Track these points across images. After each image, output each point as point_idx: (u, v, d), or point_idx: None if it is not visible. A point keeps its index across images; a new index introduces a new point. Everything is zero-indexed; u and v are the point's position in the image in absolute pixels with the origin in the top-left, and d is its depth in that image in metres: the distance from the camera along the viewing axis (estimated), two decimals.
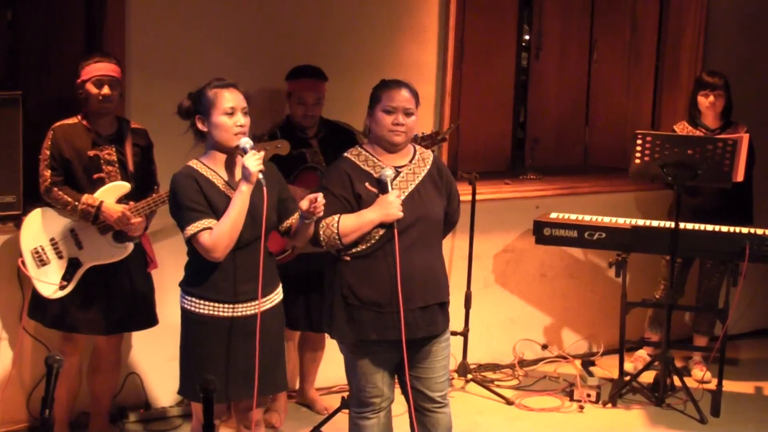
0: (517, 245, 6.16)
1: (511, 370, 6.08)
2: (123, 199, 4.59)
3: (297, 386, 5.45)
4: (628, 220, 5.67)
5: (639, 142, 5.47)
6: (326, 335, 5.04)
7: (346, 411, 4.48)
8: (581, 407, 5.60)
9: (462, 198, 4.34)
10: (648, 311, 6.13)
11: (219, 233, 3.72)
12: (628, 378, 5.73)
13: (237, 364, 3.85)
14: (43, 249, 4.59)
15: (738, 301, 5.60)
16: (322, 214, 3.83)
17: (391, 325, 3.94)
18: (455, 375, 5.83)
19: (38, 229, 4.60)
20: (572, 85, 6.70)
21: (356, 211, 3.96)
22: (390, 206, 3.91)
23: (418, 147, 4.18)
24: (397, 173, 4.02)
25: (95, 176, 4.59)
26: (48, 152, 4.56)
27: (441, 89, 5.78)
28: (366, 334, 3.97)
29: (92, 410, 4.93)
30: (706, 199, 5.79)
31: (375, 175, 3.99)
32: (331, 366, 5.31)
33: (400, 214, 3.91)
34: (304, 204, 3.80)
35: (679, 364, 5.80)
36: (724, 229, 5.49)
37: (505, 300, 6.19)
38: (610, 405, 5.61)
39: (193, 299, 3.84)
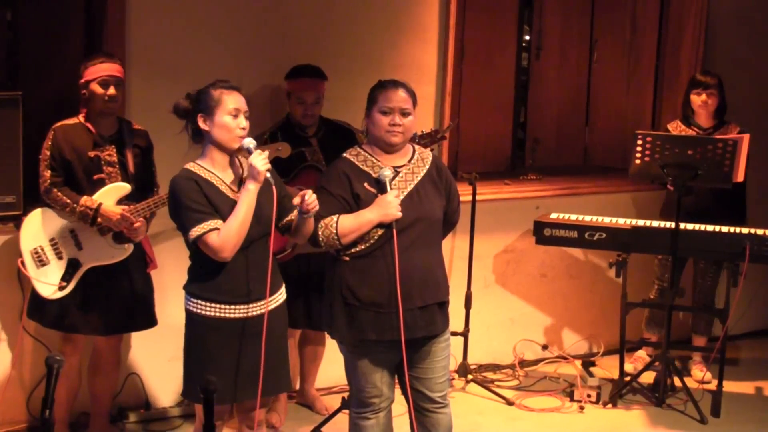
0: (518, 245, 6.16)
1: (512, 371, 6.08)
2: (123, 200, 4.59)
3: (297, 386, 5.45)
4: (628, 221, 5.67)
5: (639, 142, 5.47)
6: (326, 334, 5.04)
7: (347, 411, 4.48)
8: (581, 407, 5.60)
9: (462, 198, 4.34)
10: (645, 311, 6.12)
11: (227, 233, 3.72)
12: (628, 378, 5.73)
13: (244, 365, 3.84)
14: (42, 249, 4.58)
15: (738, 302, 5.59)
16: (316, 208, 3.83)
17: (390, 325, 3.94)
18: (456, 375, 5.83)
19: (38, 229, 4.60)
20: (572, 85, 6.70)
21: (355, 211, 3.96)
22: (389, 206, 3.91)
23: (417, 147, 4.17)
24: (396, 173, 4.01)
25: (95, 177, 4.58)
26: (48, 153, 4.56)
27: (441, 89, 5.78)
28: (365, 334, 3.97)
29: (92, 410, 4.92)
30: (698, 199, 5.78)
31: (374, 175, 3.99)
32: (331, 366, 5.31)
33: (399, 214, 3.91)
34: (296, 200, 3.81)
35: (678, 364, 5.80)
36: (725, 229, 5.49)
37: (505, 300, 6.19)
38: (610, 405, 5.61)
39: (199, 301, 3.83)
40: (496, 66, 6.42)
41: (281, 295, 3.97)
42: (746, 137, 5.51)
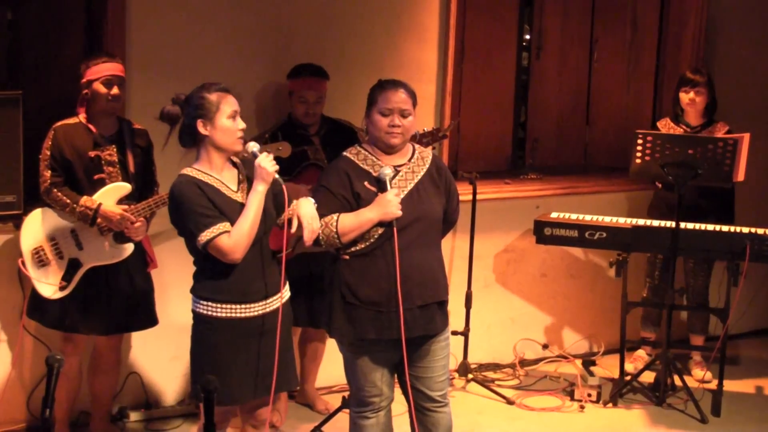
0: (518, 245, 6.16)
1: (512, 370, 6.08)
2: (123, 200, 4.59)
3: (297, 385, 5.45)
4: (628, 220, 5.67)
5: (639, 141, 5.47)
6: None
7: (347, 410, 4.48)
8: (582, 407, 5.60)
9: (462, 198, 4.34)
10: (640, 310, 6.12)
11: (239, 234, 3.73)
12: (628, 378, 5.73)
13: (255, 364, 3.85)
14: (43, 249, 4.58)
15: (738, 301, 5.59)
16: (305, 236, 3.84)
17: (389, 324, 3.94)
18: (456, 375, 5.83)
19: (38, 229, 4.60)
20: (573, 85, 6.70)
21: (355, 210, 3.96)
22: (388, 205, 3.91)
23: (417, 146, 4.17)
24: (396, 172, 4.01)
25: (96, 177, 4.58)
26: (48, 152, 4.56)
27: (441, 89, 5.78)
28: (365, 333, 3.97)
29: (92, 410, 4.93)
30: (687, 196, 5.74)
31: (374, 174, 3.99)
32: (331, 365, 5.31)
33: (399, 213, 3.91)
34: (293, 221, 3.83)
35: (679, 365, 5.79)
36: (725, 228, 5.49)
37: (505, 300, 6.19)
38: (610, 405, 5.61)
39: (210, 303, 3.82)
40: (496, 66, 6.42)
41: (286, 292, 3.98)
42: (746, 136, 5.50)
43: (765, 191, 6.65)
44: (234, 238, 3.73)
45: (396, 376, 4.15)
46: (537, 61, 6.59)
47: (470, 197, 5.66)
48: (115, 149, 4.62)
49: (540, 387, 5.88)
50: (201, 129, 3.80)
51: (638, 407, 5.60)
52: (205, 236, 3.73)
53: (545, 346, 6.25)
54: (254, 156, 3.80)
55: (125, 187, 4.60)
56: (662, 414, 5.52)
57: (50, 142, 4.56)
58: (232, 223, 3.75)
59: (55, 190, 4.55)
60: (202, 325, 3.87)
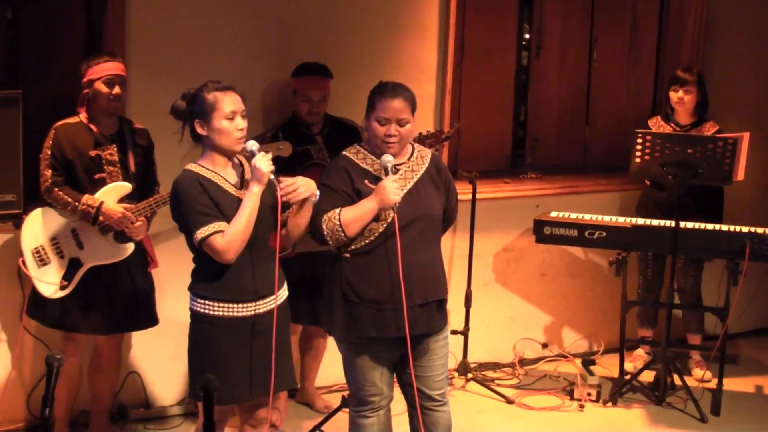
0: (518, 244, 6.16)
1: (512, 369, 6.08)
2: (124, 200, 4.59)
3: (297, 384, 5.45)
4: (628, 219, 5.67)
5: (639, 140, 5.47)
6: None
7: (347, 410, 4.48)
8: (581, 406, 5.60)
9: (462, 197, 4.35)
10: (636, 308, 6.11)
11: (232, 235, 3.72)
12: (628, 377, 5.73)
13: (252, 364, 3.85)
14: (43, 249, 4.59)
15: (738, 300, 5.59)
16: (296, 198, 3.80)
17: (390, 323, 3.95)
18: (455, 374, 5.83)
19: (39, 228, 4.60)
20: (572, 84, 6.70)
21: None
22: (385, 191, 3.89)
23: (416, 145, 4.17)
24: (396, 171, 4.01)
25: (96, 176, 4.58)
26: (49, 152, 4.56)
27: (441, 88, 5.78)
28: (366, 332, 3.97)
29: (92, 409, 4.93)
30: (672, 195, 5.72)
31: (374, 173, 3.99)
32: (331, 365, 5.31)
33: (398, 198, 3.89)
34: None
35: (678, 365, 5.79)
36: (725, 228, 5.49)
37: (505, 299, 6.19)
38: (610, 404, 5.61)
39: (206, 302, 3.83)
40: (496, 65, 6.42)
41: (284, 292, 3.98)
42: (746, 135, 5.49)
43: (763, 190, 6.64)
44: (227, 238, 3.72)
45: (396, 375, 4.15)
46: (537, 60, 6.59)
47: (470, 196, 5.66)
48: (115, 149, 4.62)
49: (540, 386, 5.88)
50: (199, 129, 3.80)
51: (638, 406, 5.60)
52: (199, 234, 3.73)
53: (545, 346, 6.25)
54: (252, 155, 3.80)
55: (126, 187, 4.60)
56: (662, 413, 5.53)
57: (51, 142, 4.56)
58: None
59: (56, 189, 4.56)
60: (198, 323, 3.87)
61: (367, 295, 3.96)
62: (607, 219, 5.65)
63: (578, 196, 6.23)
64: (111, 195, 4.56)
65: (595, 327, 6.36)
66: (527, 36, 6.59)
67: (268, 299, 3.87)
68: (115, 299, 4.65)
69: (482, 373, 5.97)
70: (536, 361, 6.20)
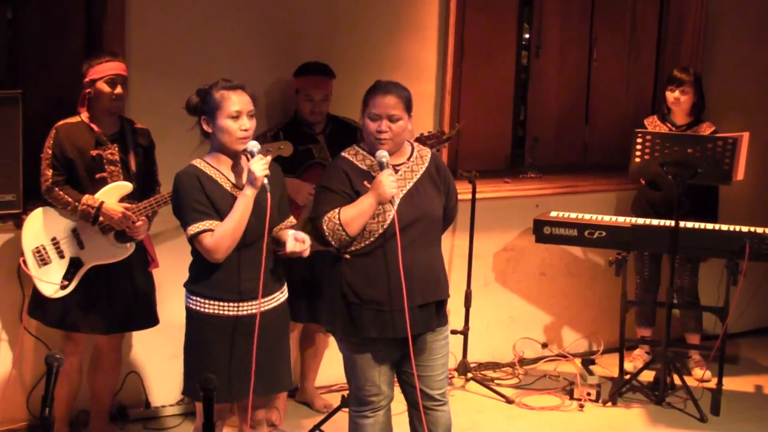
0: (517, 244, 6.17)
1: (511, 369, 6.09)
2: (125, 199, 4.59)
3: (297, 384, 5.45)
4: (628, 219, 5.67)
5: (639, 140, 5.47)
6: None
7: (346, 410, 4.48)
8: (581, 406, 5.60)
9: (462, 196, 4.35)
10: (634, 308, 6.11)
11: (221, 235, 3.73)
12: (628, 376, 5.73)
13: (242, 364, 3.85)
14: (44, 248, 4.59)
15: (738, 300, 5.59)
16: (302, 253, 3.83)
17: (390, 323, 3.95)
18: (455, 374, 5.83)
19: (40, 228, 4.60)
20: (572, 84, 6.70)
21: None
22: (381, 185, 3.89)
23: (416, 145, 4.17)
24: (395, 171, 4.01)
25: (97, 176, 4.58)
26: (50, 151, 4.56)
27: (441, 88, 5.78)
28: (366, 332, 3.97)
29: (92, 409, 4.93)
30: (667, 195, 5.72)
31: (373, 174, 3.98)
32: (331, 364, 5.32)
33: (395, 191, 3.89)
34: (288, 244, 3.81)
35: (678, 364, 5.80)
36: (724, 227, 5.49)
37: (505, 298, 6.19)
38: (610, 403, 5.61)
39: (198, 299, 3.84)
40: (495, 64, 6.42)
41: (282, 294, 3.98)
42: (746, 135, 5.50)
43: (762, 190, 6.64)
44: (216, 237, 3.73)
45: (396, 374, 4.15)
46: (536, 60, 6.60)
47: (470, 196, 5.66)
48: (116, 148, 4.62)
49: (539, 386, 5.88)
50: (204, 126, 3.82)
51: (637, 406, 5.60)
52: (191, 230, 3.75)
53: (544, 345, 6.25)
54: (251, 156, 3.80)
55: (127, 186, 4.60)
56: (661, 413, 5.53)
57: (52, 141, 4.56)
58: None
59: (57, 188, 4.56)
60: (192, 320, 3.88)
61: (367, 296, 3.96)
62: (607, 219, 5.66)
63: (578, 195, 6.23)
64: (112, 194, 4.56)
65: (595, 327, 6.37)
66: (527, 36, 6.59)
67: (266, 299, 3.87)
68: (115, 299, 4.65)
69: (482, 372, 5.98)
70: (536, 360, 6.20)
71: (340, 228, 3.92)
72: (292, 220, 4.04)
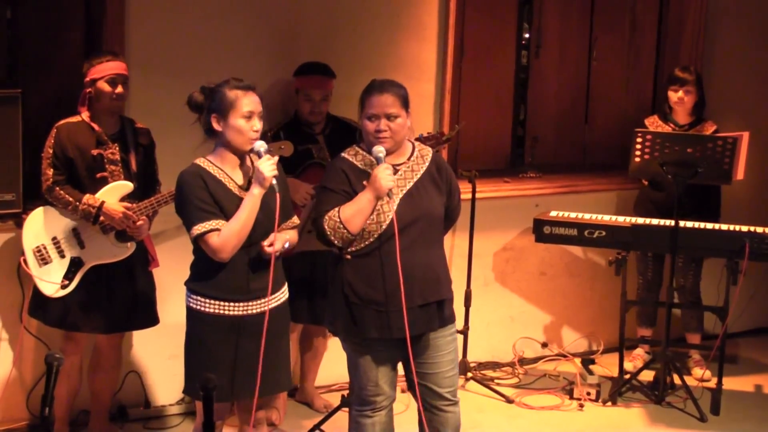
0: (517, 243, 6.17)
1: (511, 369, 6.09)
2: (125, 199, 4.59)
3: (297, 383, 5.45)
4: (627, 219, 5.67)
5: (639, 140, 5.47)
6: (328, 332, 5.04)
7: (346, 409, 4.48)
8: (581, 405, 5.60)
9: (462, 196, 4.34)
10: (635, 307, 6.11)
11: (228, 235, 3.73)
12: (628, 376, 5.73)
13: (242, 363, 3.85)
14: (45, 248, 4.59)
15: (738, 300, 5.59)
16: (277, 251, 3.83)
17: (389, 324, 3.94)
18: None
19: (40, 227, 4.60)
20: (572, 83, 6.70)
21: None
22: (377, 179, 3.88)
23: (417, 144, 4.17)
24: (395, 171, 4.00)
25: (98, 175, 4.58)
26: (51, 151, 4.56)
27: (441, 87, 5.78)
28: (367, 332, 3.97)
29: (92, 408, 4.93)
30: (669, 194, 5.70)
31: (371, 172, 3.97)
32: (331, 364, 5.32)
33: (392, 184, 3.88)
34: (265, 243, 3.81)
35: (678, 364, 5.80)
36: (724, 227, 5.49)
37: (504, 298, 6.19)
38: (610, 403, 5.61)
39: (199, 298, 3.84)
40: (495, 64, 6.42)
41: (283, 294, 3.98)
42: (746, 135, 5.50)
43: (763, 189, 6.65)
44: (222, 237, 3.73)
45: (405, 374, 4.11)
46: (536, 59, 6.60)
47: (469, 196, 5.66)
48: (117, 148, 4.62)
49: (539, 385, 5.88)
50: (215, 124, 3.80)
51: (637, 406, 5.60)
52: (196, 230, 3.75)
53: (544, 345, 6.25)
54: (258, 156, 3.80)
55: (127, 186, 4.60)
56: (661, 412, 5.53)
57: (53, 141, 4.56)
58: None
59: (58, 188, 4.56)
60: (191, 319, 3.88)
61: (367, 296, 3.96)
62: (607, 218, 5.66)
63: (578, 195, 6.23)
64: (112, 194, 4.56)
65: (595, 326, 6.37)
66: (527, 35, 6.59)
67: (261, 300, 3.87)
68: (115, 298, 4.65)
69: (482, 372, 5.98)
70: (536, 360, 6.20)
71: (341, 226, 3.92)
72: (295, 220, 4.04)
